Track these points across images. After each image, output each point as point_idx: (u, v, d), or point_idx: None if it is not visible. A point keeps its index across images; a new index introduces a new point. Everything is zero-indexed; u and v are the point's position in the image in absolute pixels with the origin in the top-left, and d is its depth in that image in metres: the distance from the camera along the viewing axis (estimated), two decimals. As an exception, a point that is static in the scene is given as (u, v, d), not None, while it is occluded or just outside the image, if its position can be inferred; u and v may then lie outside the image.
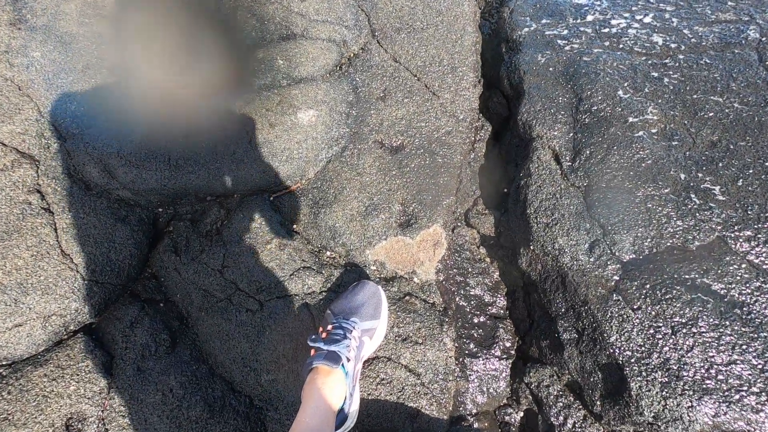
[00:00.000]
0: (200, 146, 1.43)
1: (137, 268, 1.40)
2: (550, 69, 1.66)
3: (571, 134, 1.50)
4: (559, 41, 1.72)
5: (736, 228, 1.26)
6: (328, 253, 1.41)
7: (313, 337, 1.07)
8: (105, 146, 1.41)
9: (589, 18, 1.76)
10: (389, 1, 1.89)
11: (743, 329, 1.14)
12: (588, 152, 1.44)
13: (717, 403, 1.08)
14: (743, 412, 1.07)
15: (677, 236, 1.27)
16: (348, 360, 1.04)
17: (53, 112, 1.46)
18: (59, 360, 1.21)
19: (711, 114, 1.45)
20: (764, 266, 1.20)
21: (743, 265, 1.21)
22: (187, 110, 1.49)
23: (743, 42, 1.58)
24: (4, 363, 1.20)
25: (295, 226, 1.44)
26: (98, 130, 1.44)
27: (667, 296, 1.20)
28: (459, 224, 1.57)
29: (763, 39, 1.57)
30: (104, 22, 1.66)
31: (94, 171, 1.40)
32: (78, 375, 1.20)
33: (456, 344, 1.37)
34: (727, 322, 1.15)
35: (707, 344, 1.14)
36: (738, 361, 1.11)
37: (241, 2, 1.76)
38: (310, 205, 1.46)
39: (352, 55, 1.77)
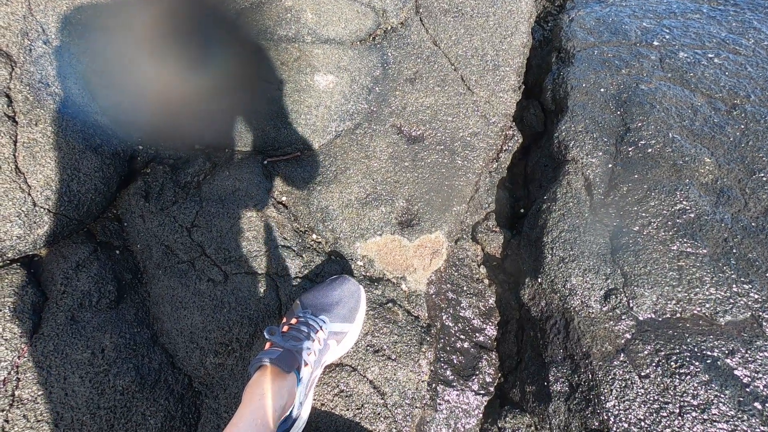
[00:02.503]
0: (200, 91, 1.26)
1: (100, 205, 1.24)
2: (601, 90, 1.49)
3: (610, 165, 1.33)
4: (616, 62, 1.55)
5: (774, 311, 1.10)
6: (314, 236, 1.25)
7: (272, 328, 0.91)
8: (92, 62, 1.24)
9: (656, 44, 1.59)
10: (442, -22, 1.71)
11: (761, 428, 0.98)
12: (625, 189, 1.28)
13: (715, 507, 0.93)
14: None
15: (707, 305, 1.11)
16: (305, 364, 0.88)
17: (44, 12, 1.29)
18: (-15, 289, 1.06)
19: (770, 177, 1.28)
20: (799, 361, 1.04)
21: (775, 355, 1.05)
22: (191, 45, 1.32)
23: (821, 107, 1.41)
24: None
25: (284, 198, 1.28)
26: (88, 43, 1.27)
27: (682, 370, 1.04)
28: (464, 236, 1.41)
29: None
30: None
31: (74, 87, 1.23)
32: (1, 311, 1.04)
33: (432, 368, 1.21)
34: (745, 416, 0.99)
35: (717, 436, 0.98)
36: (749, 464, 0.95)
37: (281, -58, 1.58)
38: (306, 179, 1.29)
39: (389, 27, 1.59)
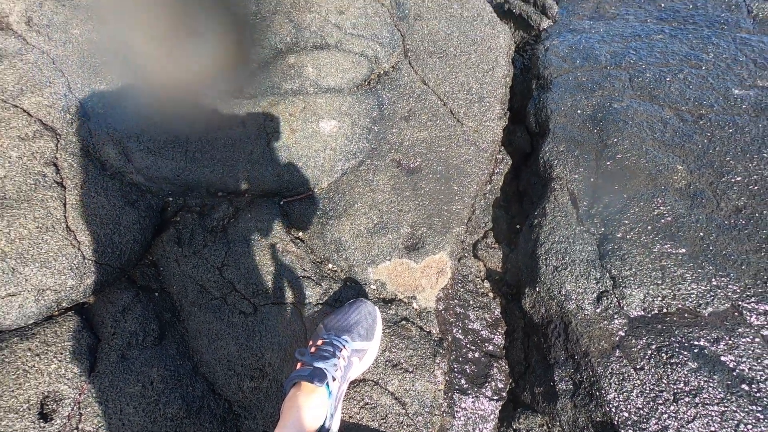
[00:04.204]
0: (219, 141, 1.43)
1: (138, 253, 1.39)
2: (578, 111, 1.64)
3: (592, 179, 1.47)
4: (590, 85, 1.71)
5: (752, 300, 1.21)
6: (330, 265, 1.39)
7: (302, 350, 1.04)
8: (126, 129, 1.42)
9: (624, 66, 1.75)
10: (426, 24, 1.91)
11: (750, 407, 1.08)
12: (607, 200, 1.41)
13: (714, 483, 1.02)
14: (741, 497, 1.00)
15: (690, 299, 1.22)
16: (333, 379, 1.00)
17: (82, 90, 1.48)
18: (46, 336, 1.20)
19: (739, 178, 1.41)
20: (779, 344, 1.15)
21: (756, 340, 1.16)
22: (210, 104, 1.50)
23: (779, 110, 1.55)
24: (-9, 331, 1.19)
25: (301, 233, 1.43)
26: (122, 113, 1.46)
27: (673, 360, 1.15)
28: (466, 255, 1.54)
29: (801, 110, 1.54)
30: (145, 10, 1.69)
31: (112, 152, 1.41)
32: (62, 354, 1.18)
33: (447, 378, 1.32)
34: (734, 398, 1.09)
35: (710, 417, 1.08)
36: (741, 441, 1.05)
37: (281, 7, 1.79)
38: (319, 215, 1.44)
39: (382, 71, 1.77)
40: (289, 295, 1.30)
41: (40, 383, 1.13)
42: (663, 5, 1.99)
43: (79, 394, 1.15)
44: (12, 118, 1.38)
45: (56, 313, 1.26)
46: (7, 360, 1.15)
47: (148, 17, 1.68)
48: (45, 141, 1.38)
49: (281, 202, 1.47)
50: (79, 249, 1.28)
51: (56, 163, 1.37)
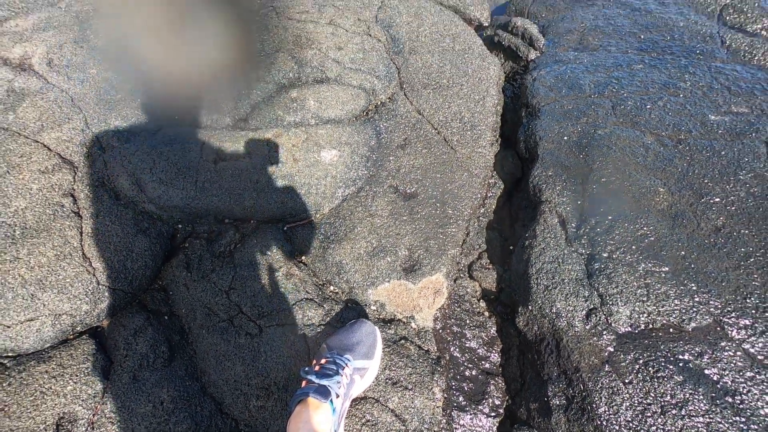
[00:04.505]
0: (227, 172, 1.52)
1: (149, 279, 1.46)
2: (565, 138, 1.74)
3: (579, 202, 1.55)
4: (575, 113, 1.81)
5: (733, 314, 1.28)
6: (332, 287, 1.46)
7: (306, 369, 1.10)
8: (139, 161, 1.51)
9: (607, 94, 1.86)
10: (420, 58, 2.03)
11: (734, 418, 1.13)
12: (593, 221, 1.49)
13: (702, 493, 1.06)
14: (728, 506, 1.04)
15: (674, 315, 1.29)
16: (337, 396, 1.06)
17: (98, 125, 1.58)
18: (62, 358, 1.26)
19: (717, 199, 1.49)
20: (759, 356, 1.21)
21: (738, 353, 1.22)
22: (218, 137, 1.60)
23: (753, 134, 1.64)
24: (9, 354, 1.25)
25: (304, 257, 1.50)
26: (135, 146, 1.55)
27: (659, 374, 1.21)
28: (462, 275, 1.61)
29: (773, 134, 1.63)
30: (157, 49, 1.81)
31: (126, 183, 1.50)
32: (77, 376, 1.24)
33: (445, 395, 1.37)
34: (718, 409, 1.15)
35: (696, 429, 1.13)
36: (726, 451, 1.10)
37: (283, 45, 1.91)
38: (321, 240, 1.52)
39: (379, 103, 1.88)
40: (293, 317, 1.36)
41: (56, 404, 1.19)
42: (642, 37, 2.12)
43: (93, 415, 1.20)
44: (33, 152, 1.47)
45: (71, 336, 1.32)
46: (25, 382, 1.20)
47: (159, 57, 1.79)
48: (63, 174, 1.47)
49: (285, 228, 1.55)
50: (94, 275, 1.35)
51: (73, 194, 1.45)
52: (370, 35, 2.06)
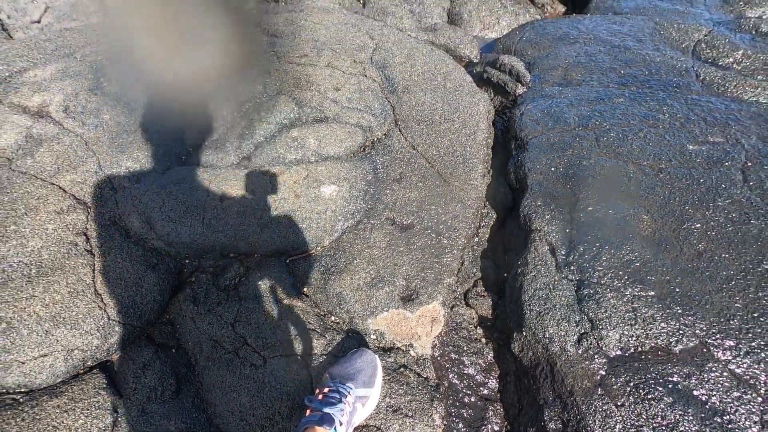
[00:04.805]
0: (232, 209, 1.61)
1: (157, 313, 1.52)
2: (552, 169, 1.83)
3: (567, 230, 1.63)
4: (561, 145, 1.91)
5: (718, 336, 1.33)
6: (333, 318, 1.51)
7: (310, 397, 1.15)
8: (150, 201, 1.60)
9: (590, 127, 1.96)
10: (413, 96, 2.15)
11: (723, 438, 1.17)
12: (582, 249, 1.56)
13: None
14: None
15: (661, 338, 1.34)
16: (341, 424, 1.10)
17: (110, 167, 1.68)
18: (73, 393, 1.30)
19: (698, 225, 1.57)
20: (745, 377, 1.25)
21: (725, 374, 1.27)
22: (224, 175, 1.69)
23: (729, 162, 1.74)
24: (23, 390, 1.30)
25: (305, 289, 1.56)
26: (145, 186, 1.64)
27: (650, 396, 1.25)
28: (458, 303, 1.67)
29: (748, 163, 1.73)
30: (166, 95, 1.93)
31: (136, 221, 1.58)
32: (88, 410, 1.28)
33: (445, 422, 1.41)
34: (708, 429, 1.19)
35: (687, 450, 1.17)
36: (717, 471, 1.13)
37: (284, 87, 2.03)
38: (322, 271, 1.59)
39: (375, 139, 1.98)
40: (296, 347, 1.41)
41: (68, 438, 1.23)
42: (622, 72, 2.25)
43: (103, 448, 1.23)
44: (49, 194, 1.56)
45: (82, 371, 1.37)
46: (37, 417, 1.25)
47: (167, 101, 1.91)
48: (77, 214, 1.55)
49: (287, 261, 1.62)
50: (105, 311, 1.41)
51: (86, 233, 1.53)
52: (366, 76, 2.18)
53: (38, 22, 2.72)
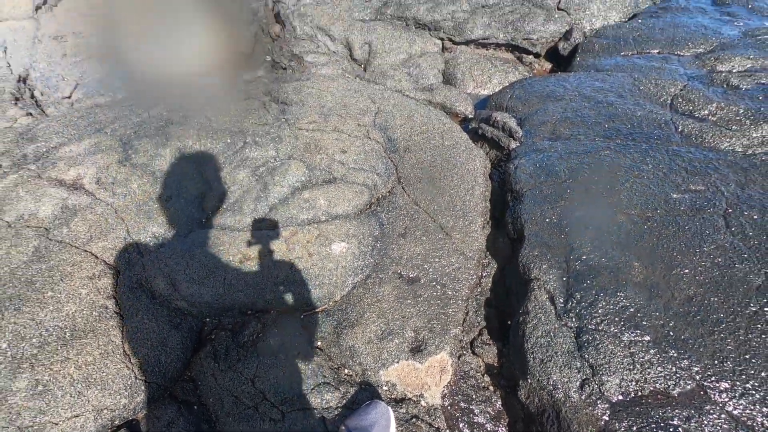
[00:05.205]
0: (250, 269, 1.73)
1: (180, 371, 1.61)
2: (547, 220, 1.96)
3: (564, 278, 1.73)
4: (554, 197, 2.05)
5: (713, 378, 1.40)
6: (347, 370, 1.59)
7: (328, 451, 1.22)
8: (174, 264, 1.73)
9: (580, 179, 2.11)
10: (414, 155, 2.33)
11: (726, 481, 1.22)
12: (579, 296, 1.66)
13: None
14: None
15: (659, 382, 1.41)
16: (357, 476, 1.17)
17: (138, 233, 1.82)
18: (102, 453, 1.37)
19: (687, 270, 1.67)
20: (742, 418, 1.31)
21: (722, 416, 1.33)
22: (243, 238, 1.83)
23: (711, 209, 1.86)
24: (55, 451, 1.37)
25: (319, 343, 1.65)
26: (170, 250, 1.78)
27: (653, 440, 1.31)
28: (465, 352, 1.75)
29: (729, 209, 1.85)
30: (188, 163, 2.11)
31: (162, 283, 1.70)
32: (116, 469, 1.34)
33: (457, 472, 1.45)
34: (710, 472, 1.23)
35: (692, 493, 1.21)
36: None
37: (295, 152, 2.21)
38: (335, 325, 1.68)
39: (380, 196, 2.14)
40: (312, 401, 1.49)
41: (98, 498, 1.28)
42: (607, 126, 2.43)
43: (131, 508, 1.29)
44: (83, 261, 1.69)
45: (111, 430, 1.44)
46: (69, 478, 1.31)
47: (188, 169, 2.09)
48: (108, 278, 1.68)
49: (302, 316, 1.72)
50: (132, 370, 1.50)
51: (116, 296, 1.65)
52: (370, 138, 2.37)
53: (69, 97, 2.99)
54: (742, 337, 1.48)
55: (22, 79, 3.12)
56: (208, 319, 1.73)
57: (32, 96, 3.00)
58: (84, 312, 1.57)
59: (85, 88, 3.01)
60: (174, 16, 3.48)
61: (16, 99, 2.91)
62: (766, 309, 1.52)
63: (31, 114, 2.82)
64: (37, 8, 3.91)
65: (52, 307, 1.56)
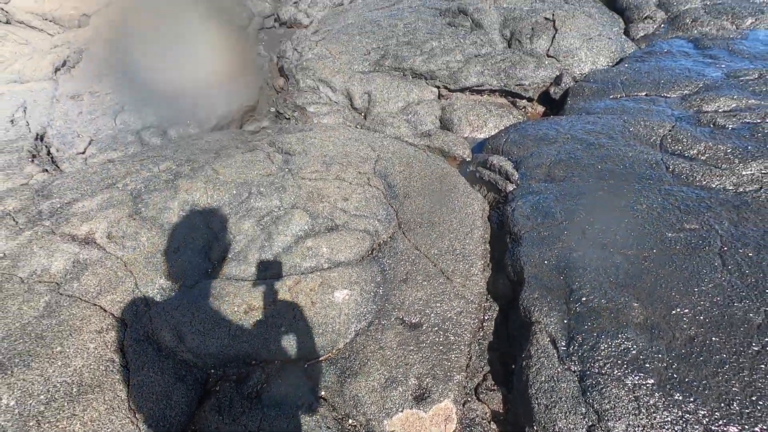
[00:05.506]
0: (254, 319, 1.76)
1: (184, 424, 1.60)
2: (545, 262, 1.99)
3: (565, 321, 1.75)
4: (551, 238, 2.10)
5: (721, 422, 1.38)
6: (351, 420, 1.59)
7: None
8: (181, 315, 1.76)
9: (576, 220, 2.16)
10: (413, 201, 2.40)
11: None
12: (580, 339, 1.67)
13: None
14: None
15: (666, 427, 1.40)
16: None
17: (146, 285, 1.87)
18: None
19: (686, 310, 1.69)
20: (753, 464, 1.29)
21: (733, 462, 1.30)
22: (247, 288, 1.87)
23: (707, 248, 1.89)
24: None
25: (323, 393, 1.65)
26: (177, 301, 1.82)
27: (664, 490, 1.28)
28: (470, 399, 1.73)
29: (724, 247, 1.88)
30: (195, 214, 2.19)
31: (168, 335, 1.73)
32: None
33: None
34: None
35: None
36: None
37: (299, 201, 2.29)
38: (338, 374, 1.69)
39: (382, 242, 2.19)
40: (316, 454, 1.48)
41: None
42: (600, 167, 2.51)
43: None
44: (92, 315, 1.74)
45: (114, 489, 1.43)
46: None
47: (195, 221, 2.16)
48: (115, 332, 1.71)
49: (306, 365, 1.73)
50: (137, 426, 1.51)
51: (123, 350, 1.68)
52: (371, 185, 2.46)
53: (83, 153, 3.13)
54: (746, 378, 1.47)
55: (40, 137, 3.28)
56: (212, 371, 1.74)
57: (48, 153, 3.15)
58: (91, 366, 1.60)
59: (99, 144, 3.15)
60: (182, 71, 3.70)
61: (33, 156, 3.06)
62: (768, 348, 1.52)
63: (47, 170, 2.95)
64: (57, 70, 4.16)
65: (61, 362, 1.59)
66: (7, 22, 5.34)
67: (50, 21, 5.37)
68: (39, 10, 5.38)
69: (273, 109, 3.97)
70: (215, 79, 3.76)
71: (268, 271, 1.96)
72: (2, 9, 5.32)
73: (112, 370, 1.61)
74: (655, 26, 4.08)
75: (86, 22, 5.34)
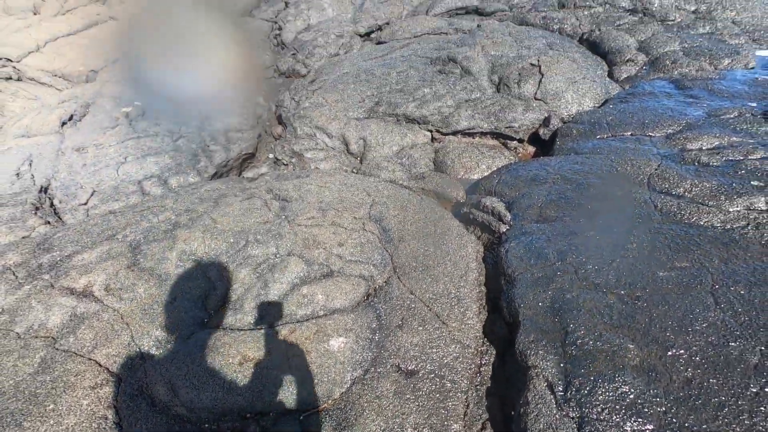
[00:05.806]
0: (250, 372, 1.75)
1: (176, 484, 1.57)
2: (540, 303, 2.00)
3: (562, 365, 1.73)
4: (545, 280, 2.11)
5: (724, 469, 1.35)
6: (347, 476, 1.55)
7: None
8: (176, 368, 1.76)
9: (569, 261, 2.19)
10: (408, 245, 2.43)
11: None
12: (577, 384, 1.65)
13: None
14: None
15: (668, 476, 1.36)
16: None
17: (141, 337, 1.88)
18: None
19: (682, 351, 1.68)
20: None
21: None
22: (242, 339, 1.88)
23: (698, 286, 1.91)
24: None
25: (319, 446, 1.62)
26: (172, 353, 1.82)
27: None
28: (469, 449, 1.70)
29: (716, 285, 1.89)
30: (192, 264, 2.22)
31: (162, 389, 1.71)
32: None
33: None
34: None
35: None
36: None
37: (295, 248, 2.33)
38: (334, 426, 1.66)
39: (377, 287, 2.20)
40: None
41: None
42: (590, 207, 2.56)
43: None
44: (87, 370, 1.73)
45: None
46: None
47: (192, 272, 2.19)
48: (109, 387, 1.70)
49: (301, 417, 1.71)
50: (128, 487, 1.47)
51: (116, 406, 1.66)
52: (366, 230, 2.50)
53: (85, 204, 3.20)
54: (747, 421, 1.45)
55: (44, 189, 3.37)
56: (207, 425, 1.71)
57: (51, 204, 3.23)
58: (83, 424, 1.58)
59: (101, 195, 3.23)
60: (185, 118, 3.84)
61: (36, 209, 3.13)
62: (767, 389, 1.51)
63: (49, 222, 3.01)
64: (63, 123, 4.32)
65: (53, 421, 1.57)
66: (19, 79, 5.60)
67: (59, 77, 5.63)
68: (49, 67, 5.65)
69: (272, 156, 4.08)
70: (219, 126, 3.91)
71: (264, 320, 1.97)
72: (15, 67, 5.59)
73: (104, 428, 1.59)
74: (637, 68, 4.26)
75: (93, 78, 5.60)
